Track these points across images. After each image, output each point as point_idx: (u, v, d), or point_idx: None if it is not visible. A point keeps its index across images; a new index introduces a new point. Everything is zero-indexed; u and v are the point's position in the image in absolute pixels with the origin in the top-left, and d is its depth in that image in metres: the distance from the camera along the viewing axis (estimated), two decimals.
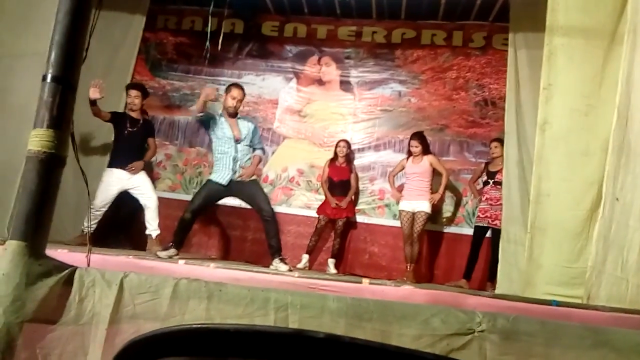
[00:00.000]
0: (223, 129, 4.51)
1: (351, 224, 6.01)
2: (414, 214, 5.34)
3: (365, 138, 6.32)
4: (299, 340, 0.65)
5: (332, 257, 5.72)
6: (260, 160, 4.85)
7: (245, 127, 4.60)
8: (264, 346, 0.66)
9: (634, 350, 1.63)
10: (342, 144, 5.87)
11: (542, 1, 3.85)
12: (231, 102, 4.53)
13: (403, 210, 5.41)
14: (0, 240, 2.09)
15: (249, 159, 4.60)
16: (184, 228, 4.42)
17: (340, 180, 5.80)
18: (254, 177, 4.64)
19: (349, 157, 5.98)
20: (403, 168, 5.59)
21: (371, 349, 0.63)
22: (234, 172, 4.46)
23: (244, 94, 4.67)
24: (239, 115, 4.66)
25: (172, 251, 4.18)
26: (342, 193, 5.75)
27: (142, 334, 0.74)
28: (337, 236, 5.75)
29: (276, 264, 4.26)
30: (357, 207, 6.07)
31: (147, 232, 4.87)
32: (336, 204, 5.66)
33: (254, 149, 4.69)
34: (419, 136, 5.52)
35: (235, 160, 4.48)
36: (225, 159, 4.48)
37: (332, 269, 5.63)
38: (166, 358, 0.73)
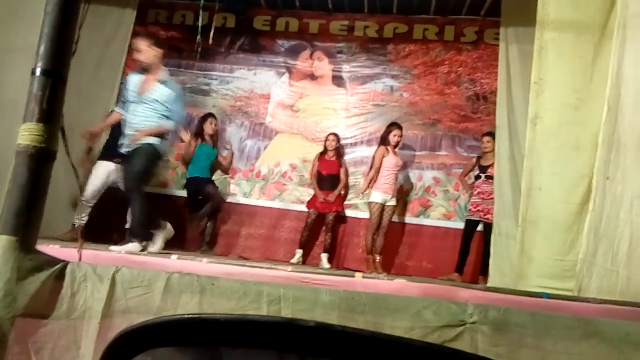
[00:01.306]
0: (130, 84, 4.03)
1: (343, 218, 6.02)
2: (384, 206, 5.37)
3: (358, 133, 6.32)
4: (290, 330, 0.65)
5: (324, 252, 5.71)
6: (164, 131, 4.10)
7: (160, 90, 3.97)
8: (255, 336, 0.67)
9: (624, 341, 1.64)
10: (331, 137, 5.87)
11: None
12: (139, 56, 4.05)
13: (375, 202, 5.35)
14: None
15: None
16: (145, 214, 3.86)
17: (330, 175, 5.79)
18: (149, 142, 3.93)
19: (339, 151, 5.98)
20: (384, 157, 5.45)
21: (362, 338, 0.64)
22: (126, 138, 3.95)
23: (150, 42, 4.11)
24: (164, 79, 4.07)
25: (135, 245, 3.74)
26: (331, 187, 5.76)
27: (133, 325, 0.74)
28: (329, 231, 5.75)
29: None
30: (349, 202, 6.07)
31: (127, 226, 4.65)
32: (324, 199, 5.66)
33: (166, 118, 4.02)
34: (400, 127, 5.54)
35: (130, 124, 3.93)
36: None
37: (325, 264, 5.62)
38: (158, 349, 0.73)
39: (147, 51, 4.04)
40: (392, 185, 5.42)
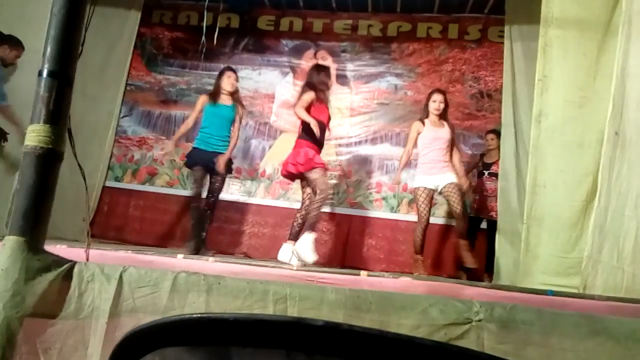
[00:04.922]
0: None
1: (347, 217, 6.00)
2: (435, 191, 4.47)
3: (362, 131, 6.31)
4: (298, 329, 0.65)
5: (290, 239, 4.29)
6: None
7: None
8: (263, 335, 0.67)
9: (630, 338, 1.64)
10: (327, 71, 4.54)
11: None
12: None
13: (422, 188, 4.43)
14: None
15: None
16: None
17: (320, 123, 4.28)
18: None
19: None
20: (418, 134, 4.55)
21: (370, 337, 0.64)
22: None
23: None
24: None
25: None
26: (313, 141, 4.24)
27: (142, 324, 0.74)
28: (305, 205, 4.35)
29: None
30: (353, 200, 6.06)
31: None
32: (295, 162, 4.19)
33: None
34: (443, 92, 4.69)
35: None
36: None
37: (285, 257, 4.20)
38: (166, 348, 0.74)
39: None
40: (440, 162, 4.45)
